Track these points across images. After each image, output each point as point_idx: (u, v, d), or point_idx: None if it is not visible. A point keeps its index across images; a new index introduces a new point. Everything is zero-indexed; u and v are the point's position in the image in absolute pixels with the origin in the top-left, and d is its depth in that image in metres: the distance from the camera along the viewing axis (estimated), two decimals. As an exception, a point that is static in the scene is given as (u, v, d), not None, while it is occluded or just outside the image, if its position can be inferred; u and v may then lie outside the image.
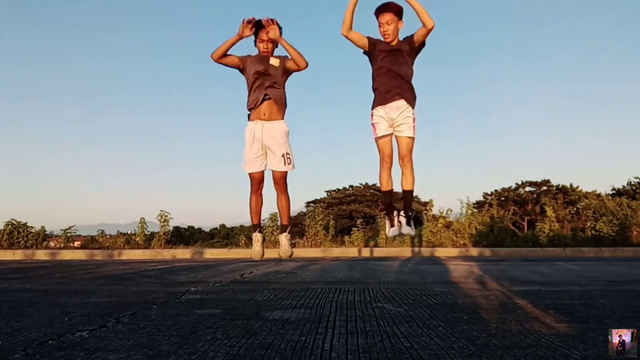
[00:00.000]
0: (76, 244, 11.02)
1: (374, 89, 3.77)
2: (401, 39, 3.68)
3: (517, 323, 1.75)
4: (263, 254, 3.82)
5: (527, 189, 31.50)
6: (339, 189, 36.81)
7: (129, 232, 11.76)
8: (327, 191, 37.47)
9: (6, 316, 2.03)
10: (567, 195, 28.06)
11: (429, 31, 3.58)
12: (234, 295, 2.64)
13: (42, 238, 10.65)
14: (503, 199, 28.77)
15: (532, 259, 6.92)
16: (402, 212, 3.83)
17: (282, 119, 3.84)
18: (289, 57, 3.78)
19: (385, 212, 3.88)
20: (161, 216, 10.49)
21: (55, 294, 2.82)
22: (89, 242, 11.20)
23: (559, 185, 30.58)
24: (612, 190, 23.43)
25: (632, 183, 24.84)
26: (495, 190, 30.26)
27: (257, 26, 3.77)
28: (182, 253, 8.67)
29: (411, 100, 3.68)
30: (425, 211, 11.14)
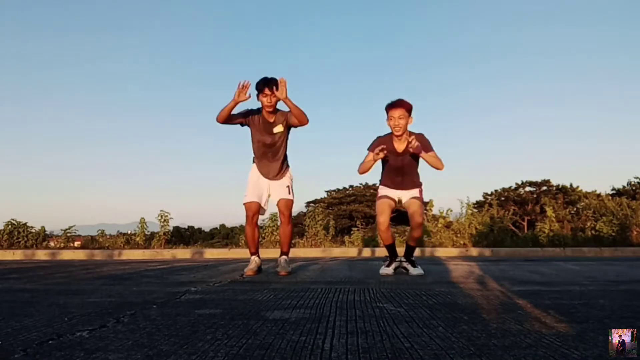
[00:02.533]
0: (76, 244, 11.02)
1: (381, 175, 4.13)
2: (411, 131, 3.90)
3: (517, 323, 1.75)
4: (256, 274, 4.02)
5: (527, 189, 31.53)
6: (339, 189, 36.84)
7: (129, 232, 11.77)
8: (327, 191, 37.51)
9: (6, 316, 2.03)
10: (567, 195, 28.07)
11: (441, 169, 3.91)
12: (234, 295, 2.64)
13: (42, 238, 10.65)
14: (503, 199, 28.81)
15: (532, 259, 6.92)
16: (402, 259, 4.09)
17: (287, 173, 4.16)
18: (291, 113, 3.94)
19: (387, 254, 4.15)
20: (161, 216, 10.50)
21: (55, 294, 2.82)
22: (89, 242, 11.20)
23: (559, 185, 30.61)
24: (612, 190, 23.46)
25: (632, 183, 24.88)
26: (495, 190, 30.29)
27: (261, 83, 3.91)
28: (182, 253, 8.67)
29: (417, 185, 4.03)
30: (425, 211, 11.13)
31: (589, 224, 10.34)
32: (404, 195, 3.97)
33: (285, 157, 4.14)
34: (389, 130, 3.92)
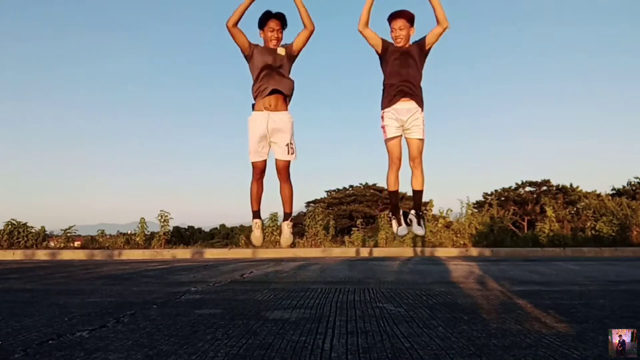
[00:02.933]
0: (76, 244, 11.02)
1: (383, 90, 3.83)
2: (412, 42, 3.76)
3: (517, 323, 1.75)
4: (263, 239, 3.84)
5: (527, 189, 31.51)
6: (339, 189, 36.81)
7: (129, 232, 11.76)
8: (327, 191, 37.48)
9: (6, 316, 2.03)
10: (567, 195, 28.07)
11: (443, 31, 3.68)
12: (234, 295, 2.64)
13: (42, 238, 10.65)
14: (503, 199, 28.79)
15: (532, 259, 6.92)
16: (412, 212, 3.91)
17: (287, 110, 3.87)
18: (292, 43, 3.80)
19: (391, 212, 3.93)
20: (161, 216, 10.49)
21: (55, 294, 2.82)
22: (89, 242, 11.20)
23: (559, 185, 30.59)
24: (612, 190, 23.44)
25: (632, 183, 24.86)
26: (495, 190, 30.27)
27: (266, 16, 3.78)
28: (182, 253, 8.67)
29: (420, 102, 3.75)
30: (425, 211, 11.14)
31: (589, 224, 10.34)
32: (408, 120, 3.74)
33: (290, 92, 3.89)
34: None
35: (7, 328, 1.76)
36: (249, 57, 3.87)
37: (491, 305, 2.20)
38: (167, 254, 8.68)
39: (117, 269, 4.96)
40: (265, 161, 3.88)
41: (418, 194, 3.87)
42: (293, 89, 3.91)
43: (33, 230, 10.62)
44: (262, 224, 3.92)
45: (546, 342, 1.45)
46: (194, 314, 2.01)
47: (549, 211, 10.47)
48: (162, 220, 10.54)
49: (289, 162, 3.87)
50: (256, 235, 3.81)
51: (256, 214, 3.95)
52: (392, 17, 3.74)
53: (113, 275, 4.21)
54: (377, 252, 8.72)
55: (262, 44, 3.88)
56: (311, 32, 3.83)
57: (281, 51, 3.84)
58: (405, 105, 3.70)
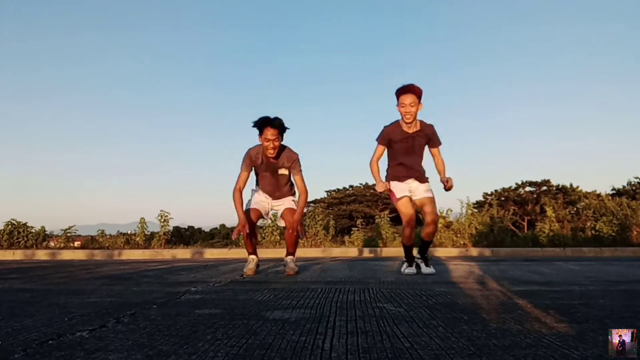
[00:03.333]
0: (76, 244, 11.02)
1: (387, 170, 4.11)
2: (421, 119, 3.91)
3: (517, 323, 1.75)
4: (255, 273, 4.05)
5: (527, 189, 31.55)
6: (339, 189, 36.85)
7: (129, 232, 11.77)
8: (327, 191, 37.52)
9: (6, 316, 2.03)
10: (567, 195, 28.10)
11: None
12: (234, 295, 2.64)
13: (42, 238, 10.65)
14: (503, 199, 28.83)
15: (532, 259, 6.92)
16: (418, 256, 4.09)
17: (292, 195, 4.26)
18: (295, 170, 4.07)
19: (405, 259, 4.14)
20: (161, 216, 10.49)
21: (56, 294, 2.82)
22: (89, 242, 11.20)
23: (559, 185, 30.63)
24: (612, 190, 23.48)
25: (632, 183, 24.89)
26: (495, 190, 30.32)
27: (264, 123, 3.81)
28: (182, 253, 8.67)
29: (424, 179, 4.02)
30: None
31: (589, 224, 10.34)
32: (415, 190, 3.95)
33: (291, 192, 4.26)
34: (398, 116, 3.89)
35: (7, 328, 1.76)
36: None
37: (491, 305, 2.20)
38: (167, 254, 8.68)
39: (117, 269, 4.96)
40: (259, 212, 4.15)
41: (427, 242, 4.04)
42: (291, 187, 4.27)
43: (33, 230, 10.62)
44: (257, 259, 4.16)
45: (546, 342, 1.45)
46: (194, 314, 2.01)
47: (549, 211, 10.48)
48: (162, 220, 10.55)
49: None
50: (250, 267, 4.04)
51: (251, 253, 4.15)
52: (402, 92, 3.78)
53: (113, 275, 4.21)
54: (377, 252, 8.72)
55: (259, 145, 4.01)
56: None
57: (283, 171, 4.07)
58: (409, 181, 3.97)
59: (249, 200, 4.15)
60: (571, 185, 30.22)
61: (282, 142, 3.94)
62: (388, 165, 4.09)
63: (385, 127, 3.99)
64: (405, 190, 3.94)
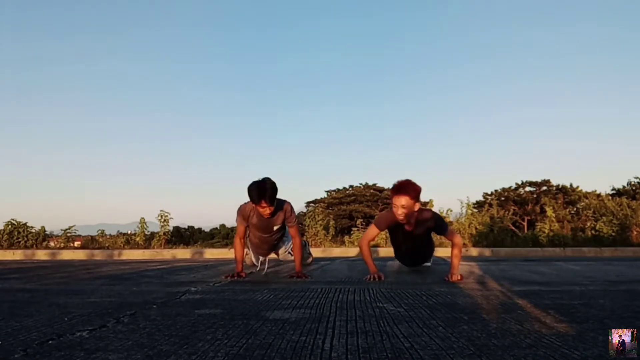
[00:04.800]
0: (76, 244, 11.02)
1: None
2: (423, 216, 3.69)
3: (517, 323, 1.75)
4: (251, 263, 4.38)
5: (527, 189, 31.52)
6: (339, 189, 36.81)
7: (129, 232, 11.77)
8: (327, 191, 37.49)
9: (6, 316, 2.03)
10: (567, 195, 28.08)
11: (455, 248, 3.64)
12: (234, 295, 2.64)
13: (42, 238, 10.65)
14: (503, 199, 28.80)
15: (532, 259, 6.92)
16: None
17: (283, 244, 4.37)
18: (289, 219, 4.00)
19: None
20: (161, 216, 10.49)
21: (55, 294, 2.82)
22: (89, 242, 11.20)
23: (559, 185, 30.60)
24: (612, 190, 23.46)
25: (632, 183, 24.87)
26: (495, 190, 30.29)
27: (255, 195, 3.68)
28: (182, 253, 8.67)
29: (429, 257, 4.16)
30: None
31: (589, 224, 10.34)
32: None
33: (281, 236, 4.30)
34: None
35: (7, 328, 1.76)
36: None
37: (491, 305, 2.20)
38: (167, 254, 8.68)
39: (117, 269, 4.96)
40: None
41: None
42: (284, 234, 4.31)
43: (33, 230, 10.62)
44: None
45: (546, 342, 1.45)
46: (194, 314, 2.01)
47: (549, 211, 10.48)
48: (162, 220, 10.54)
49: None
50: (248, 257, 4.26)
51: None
52: (395, 193, 3.50)
53: (113, 275, 4.21)
54: (377, 252, 8.71)
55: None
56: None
57: (277, 226, 4.06)
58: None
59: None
60: (571, 185, 30.20)
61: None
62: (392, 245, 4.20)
63: (387, 211, 3.77)
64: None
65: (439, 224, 3.66)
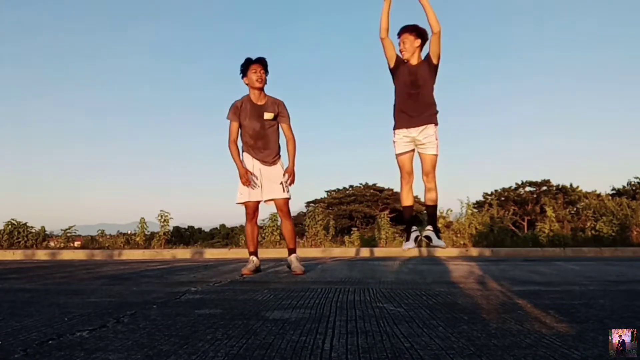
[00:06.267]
0: (76, 244, 11.03)
1: (394, 111, 3.85)
2: (423, 57, 3.78)
3: (517, 323, 1.75)
4: (254, 274, 4.01)
5: (527, 189, 31.57)
6: (339, 189, 36.86)
7: (129, 232, 11.79)
8: (327, 191, 37.55)
9: (6, 316, 2.03)
10: (567, 195, 28.11)
11: (437, 36, 3.67)
12: (234, 295, 2.64)
13: (42, 238, 10.66)
14: (503, 199, 28.85)
15: (532, 259, 6.92)
16: (428, 227, 3.90)
17: (278, 161, 4.09)
18: (283, 115, 4.05)
19: (404, 226, 3.97)
20: (161, 216, 10.51)
21: (55, 294, 2.82)
22: (89, 242, 11.21)
23: (559, 185, 30.65)
24: (612, 190, 23.49)
25: (632, 183, 24.90)
26: (495, 190, 30.34)
27: (247, 60, 3.96)
28: (182, 253, 8.67)
29: (432, 119, 3.76)
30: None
31: (589, 224, 10.34)
32: (420, 136, 3.71)
33: (277, 148, 4.09)
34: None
35: (7, 328, 1.76)
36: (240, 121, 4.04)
37: (491, 305, 2.20)
38: (167, 254, 8.69)
39: (117, 269, 4.96)
40: (257, 202, 4.06)
41: (431, 208, 3.90)
42: (278, 146, 4.12)
43: (33, 230, 10.64)
44: (258, 261, 4.13)
45: (546, 342, 1.45)
46: (194, 314, 2.01)
47: (549, 211, 10.49)
48: (162, 220, 10.56)
49: (287, 199, 4.04)
50: (249, 268, 4.03)
51: (252, 254, 4.13)
52: (400, 32, 3.77)
53: (113, 275, 4.21)
54: (377, 252, 8.72)
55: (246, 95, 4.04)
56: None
57: (269, 115, 4.00)
58: (416, 128, 3.73)
59: (239, 188, 4.04)
60: (571, 185, 30.23)
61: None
62: (394, 104, 3.87)
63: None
64: (407, 144, 3.76)
65: (427, 55, 3.76)
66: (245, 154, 4.08)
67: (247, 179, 3.92)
